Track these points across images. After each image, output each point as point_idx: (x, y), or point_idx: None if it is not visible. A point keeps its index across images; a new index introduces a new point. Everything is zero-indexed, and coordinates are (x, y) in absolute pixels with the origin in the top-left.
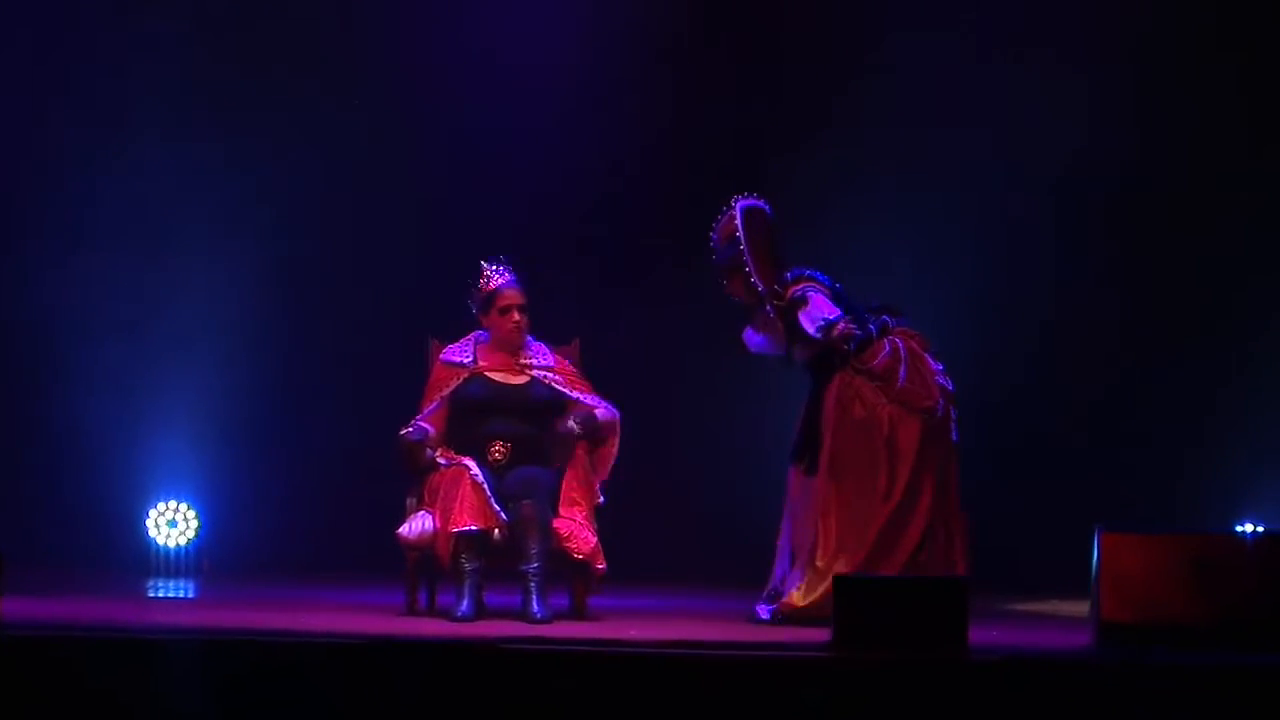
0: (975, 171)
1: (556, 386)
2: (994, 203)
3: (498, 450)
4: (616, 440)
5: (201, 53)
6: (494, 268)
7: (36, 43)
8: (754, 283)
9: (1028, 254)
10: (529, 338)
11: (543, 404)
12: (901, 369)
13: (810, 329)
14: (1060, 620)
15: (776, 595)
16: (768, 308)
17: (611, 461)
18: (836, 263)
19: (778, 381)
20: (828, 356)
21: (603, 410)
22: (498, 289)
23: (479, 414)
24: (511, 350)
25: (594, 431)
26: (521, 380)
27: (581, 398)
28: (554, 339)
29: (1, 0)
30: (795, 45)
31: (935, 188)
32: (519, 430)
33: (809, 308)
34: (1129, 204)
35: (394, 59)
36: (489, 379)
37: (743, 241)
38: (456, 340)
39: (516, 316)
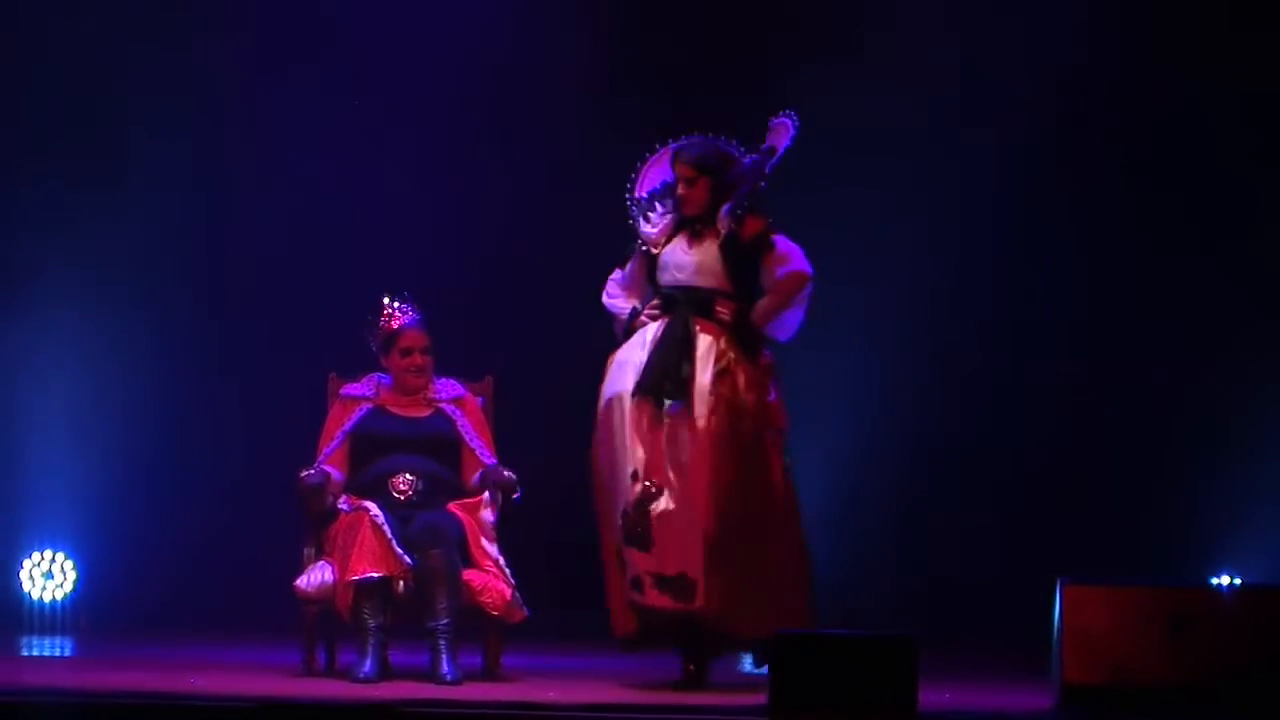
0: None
1: (459, 426)
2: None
3: (403, 483)
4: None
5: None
6: (397, 305)
7: None
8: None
9: (995, 299)
10: (434, 375)
11: (449, 438)
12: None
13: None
14: (1019, 681)
15: None
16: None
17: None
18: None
19: None
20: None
21: (505, 475)
22: (399, 329)
23: (381, 450)
24: (411, 393)
25: (495, 489)
26: (426, 413)
27: (480, 451)
28: (468, 375)
29: None
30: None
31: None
32: (425, 466)
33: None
34: (1098, 256)
35: (300, 79)
36: (391, 413)
37: (778, 154)
38: (357, 379)
39: (419, 360)
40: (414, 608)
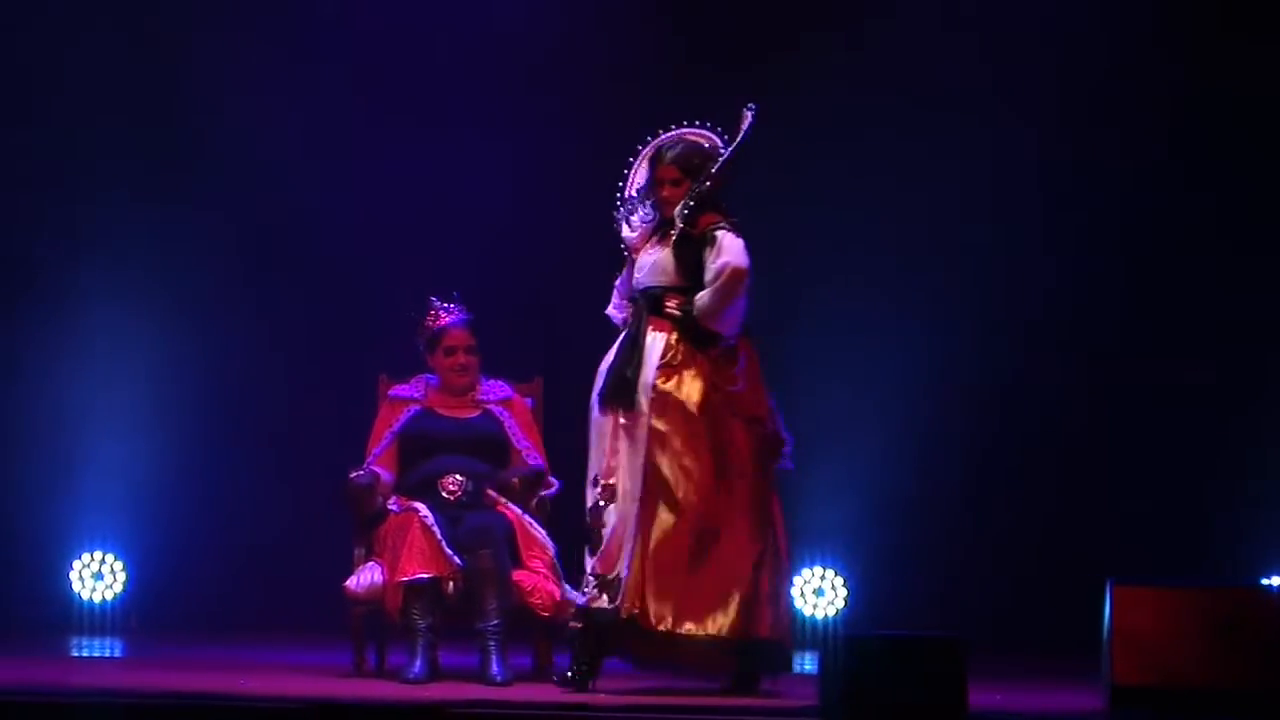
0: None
1: (506, 428)
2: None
3: (452, 484)
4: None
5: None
6: (443, 305)
7: None
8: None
9: (1045, 298)
10: (483, 376)
11: (497, 439)
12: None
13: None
14: (1068, 682)
15: None
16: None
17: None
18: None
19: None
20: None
21: (531, 464)
22: (444, 328)
23: (430, 451)
24: (457, 393)
25: (531, 490)
26: (474, 414)
27: (527, 451)
28: (517, 376)
29: None
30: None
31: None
32: (473, 467)
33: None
34: (1149, 258)
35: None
36: (439, 414)
37: (733, 148)
38: (406, 380)
39: (462, 359)
40: (463, 608)
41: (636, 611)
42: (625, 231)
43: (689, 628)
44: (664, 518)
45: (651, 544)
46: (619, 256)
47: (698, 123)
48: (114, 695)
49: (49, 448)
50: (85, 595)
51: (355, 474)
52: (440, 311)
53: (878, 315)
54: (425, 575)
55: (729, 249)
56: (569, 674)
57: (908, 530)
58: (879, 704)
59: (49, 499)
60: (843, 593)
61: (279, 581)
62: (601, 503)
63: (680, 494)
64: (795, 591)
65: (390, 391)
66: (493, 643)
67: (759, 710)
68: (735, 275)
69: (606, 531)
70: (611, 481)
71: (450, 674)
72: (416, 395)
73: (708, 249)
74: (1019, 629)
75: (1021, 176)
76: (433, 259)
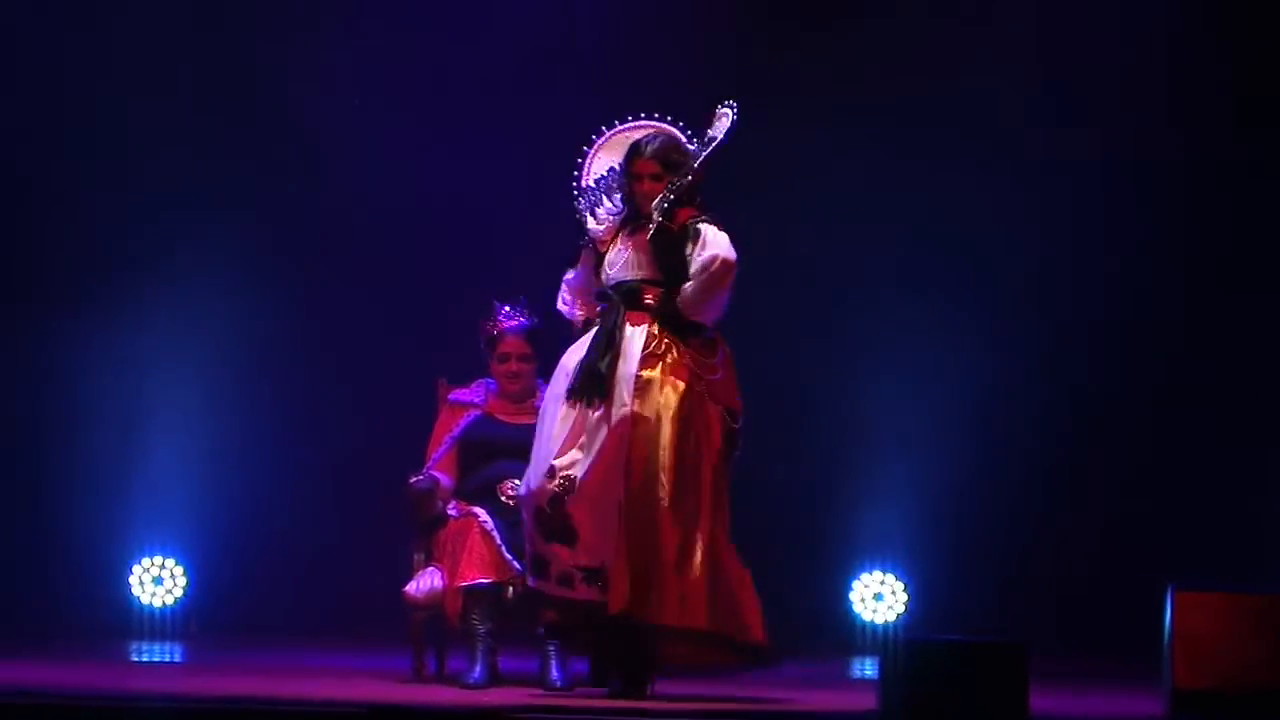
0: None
1: None
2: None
3: (511, 489)
4: None
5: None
6: (505, 310)
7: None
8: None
9: (1106, 303)
10: (540, 381)
11: None
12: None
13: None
14: (1129, 686)
15: None
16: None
17: None
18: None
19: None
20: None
21: None
22: (501, 333)
23: (489, 456)
24: (513, 399)
25: None
26: (533, 420)
27: None
28: None
29: None
30: None
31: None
32: None
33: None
34: (1211, 261)
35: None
36: (498, 419)
37: (715, 145)
38: (466, 385)
39: (514, 366)
40: (524, 614)
41: (628, 606)
42: (590, 224)
43: (674, 620)
44: (650, 508)
45: (639, 534)
46: None
47: (656, 116)
48: (174, 700)
49: (109, 452)
50: (145, 600)
51: (415, 479)
52: (501, 317)
53: (939, 319)
54: (485, 580)
55: (716, 242)
56: (618, 684)
57: (968, 534)
58: (939, 709)
59: (109, 503)
60: (903, 597)
61: (339, 586)
62: (561, 493)
63: (667, 483)
64: (855, 596)
65: (450, 396)
66: (552, 648)
67: (821, 715)
68: (725, 266)
69: (579, 523)
70: (571, 473)
71: (510, 679)
72: (476, 400)
73: (690, 243)
74: (1079, 633)
75: (1085, 178)
76: (495, 264)
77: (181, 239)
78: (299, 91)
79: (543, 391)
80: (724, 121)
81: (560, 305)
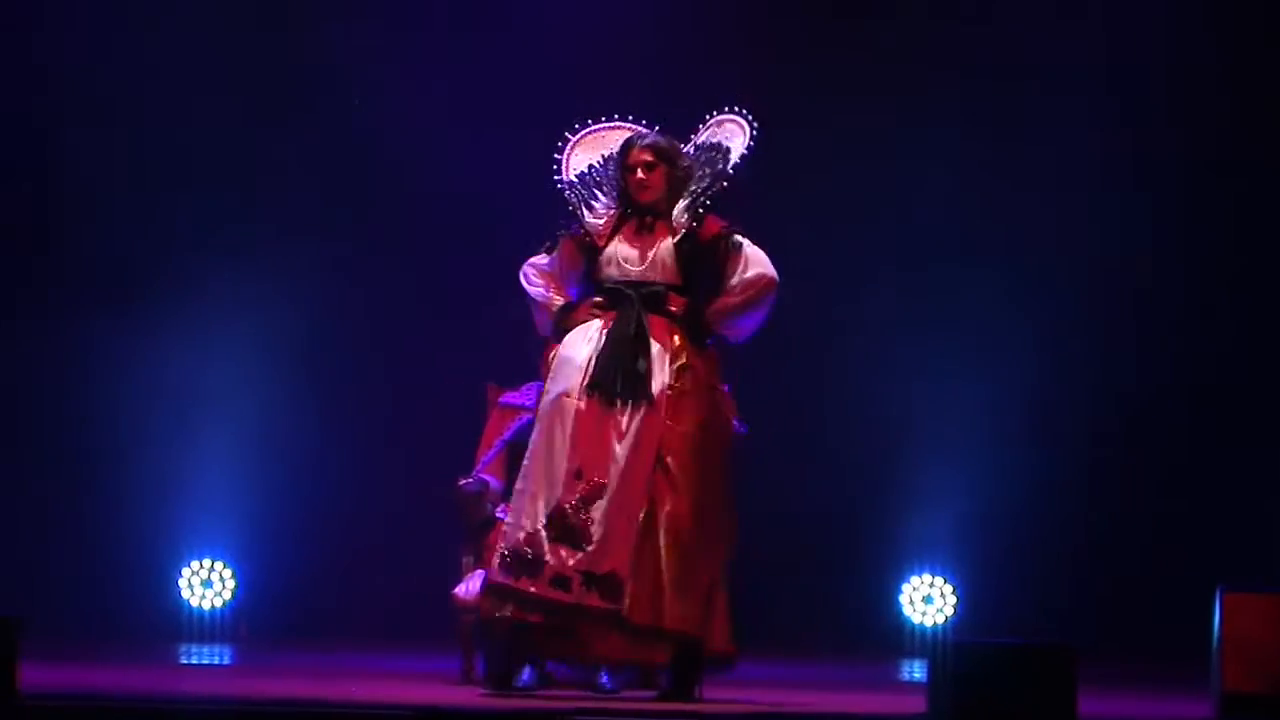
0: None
1: None
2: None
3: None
4: None
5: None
6: None
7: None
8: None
9: (1155, 307)
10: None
11: None
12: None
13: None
14: (1178, 689)
15: None
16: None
17: None
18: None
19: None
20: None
21: None
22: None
23: None
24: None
25: None
26: None
27: None
28: None
29: None
30: None
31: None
32: None
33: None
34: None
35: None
36: None
37: (743, 155)
38: (516, 388)
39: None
40: None
41: (650, 617)
42: (589, 217)
43: (689, 630)
44: (674, 519)
45: (663, 545)
46: None
47: (630, 118)
48: (223, 703)
49: (159, 455)
50: (194, 603)
51: (464, 482)
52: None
53: (988, 321)
54: None
55: (760, 259)
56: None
57: (1017, 537)
58: (988, 711)
59: (158, 506)
60: (952, 600)
61: (388, 589)
62: (590, 498)
63: (689, 496)
64: (904, 599)
65: (501, 399)
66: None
67: (870, 718)
68: (770, 286)
69: (596, 528)
70: (601, 479)
71: (559, 682)
72: (527, 404)
73: (730, 256)
74: (1128, 635)
75: (1121, 179)
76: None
77: (235, 243)
78: (360, 92)
79: (539, 389)
80: (736, 131)
81: (528, 285)
